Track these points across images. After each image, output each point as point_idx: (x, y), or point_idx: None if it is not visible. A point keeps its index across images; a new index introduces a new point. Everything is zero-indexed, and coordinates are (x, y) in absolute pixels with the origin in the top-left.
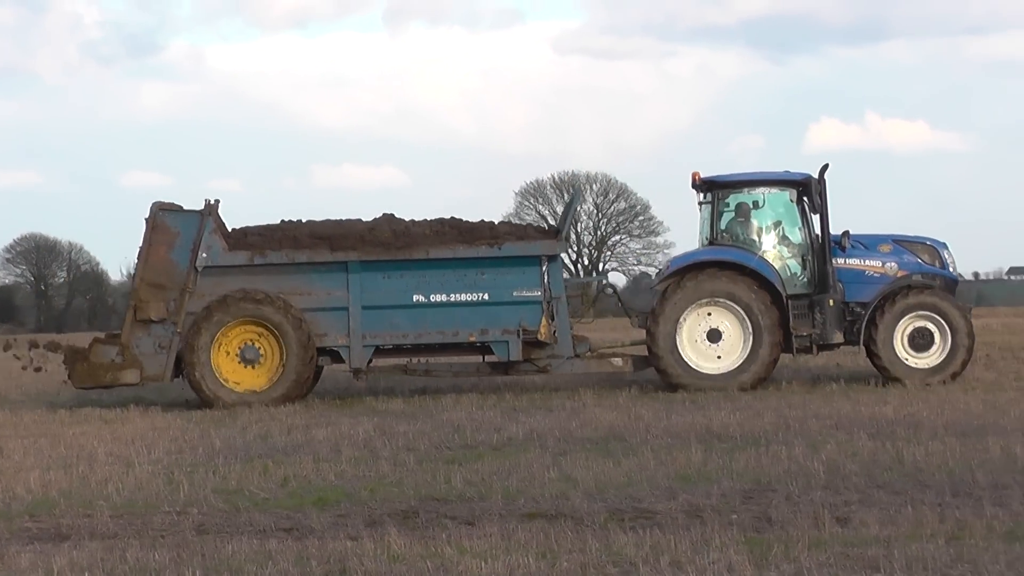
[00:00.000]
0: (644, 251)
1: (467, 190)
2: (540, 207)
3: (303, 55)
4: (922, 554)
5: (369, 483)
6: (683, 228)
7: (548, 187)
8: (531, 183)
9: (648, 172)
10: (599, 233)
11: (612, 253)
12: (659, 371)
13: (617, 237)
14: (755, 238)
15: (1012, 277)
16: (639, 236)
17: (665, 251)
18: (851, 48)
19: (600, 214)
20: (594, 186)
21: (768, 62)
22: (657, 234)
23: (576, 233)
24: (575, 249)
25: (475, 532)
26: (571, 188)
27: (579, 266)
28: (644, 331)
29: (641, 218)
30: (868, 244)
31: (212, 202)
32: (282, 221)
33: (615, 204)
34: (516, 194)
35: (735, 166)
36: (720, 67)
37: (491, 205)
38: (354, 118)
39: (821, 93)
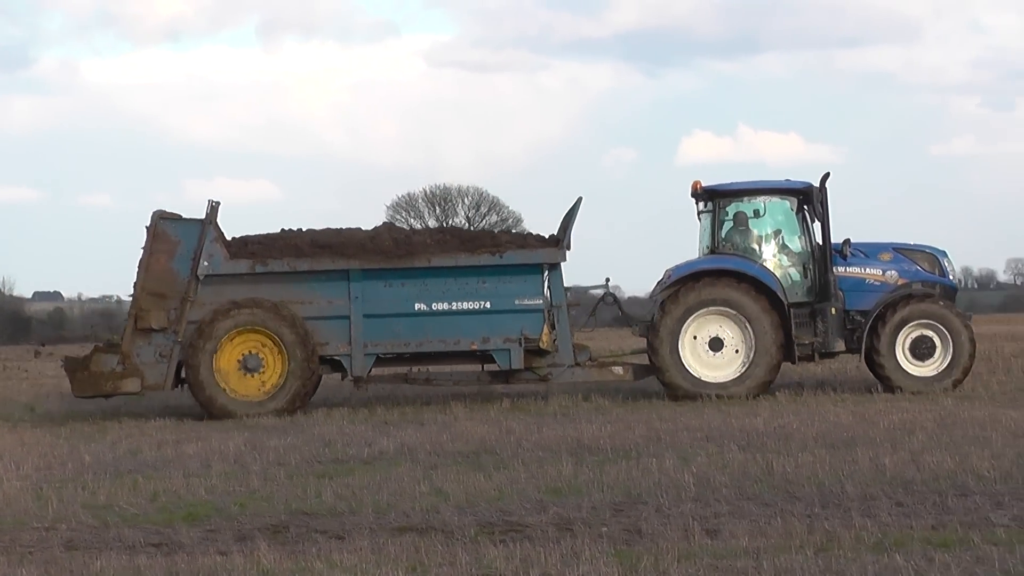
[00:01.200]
0: None
1: (339, 203)
2: (412, 220)
3: (176, 69)
4: (791, 565)
5: (239, 498)
6: None
7: (420, 200)
8: (402, 196)
9: (520, 185)
10: None
11: None
12: (661, 380)
13: None
14: (756, 247)
15: None
16: None
17: None
18: (725, 62)
19: (472, 228)
20: (466, 199)
21: (642, 75)
22: None
23: None
24: None
25: (345, 546)
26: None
27: None
28: (644, 340)
29: (513, 231)
30: (868, 252)
31: (214, 203)
32: (282, 230)
33: (487, 218)
34: (387, 207)
35: (608, 179)
36: (593, 80)
37: (362, 218)
38: (227, 132)
39: (694, 106)
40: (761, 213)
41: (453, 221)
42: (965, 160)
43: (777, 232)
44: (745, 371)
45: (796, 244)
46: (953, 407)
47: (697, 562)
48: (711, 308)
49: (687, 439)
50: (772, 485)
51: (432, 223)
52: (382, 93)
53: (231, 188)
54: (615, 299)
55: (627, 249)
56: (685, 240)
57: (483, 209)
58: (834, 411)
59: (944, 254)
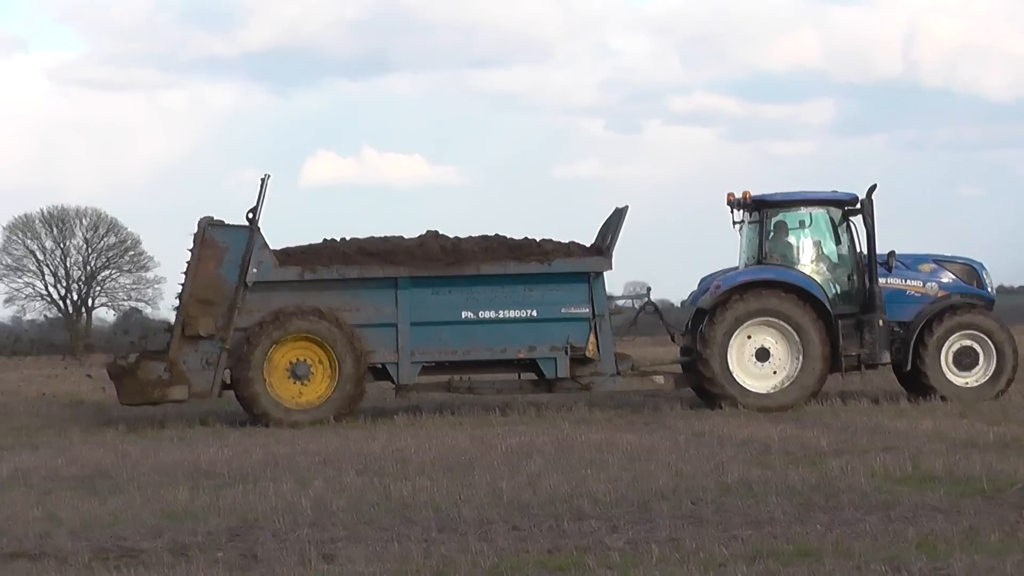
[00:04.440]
0: (134, 286)
1: None
2: (28, 242)
3: None
4: None
5: None
6: (173, 262)
7: (37, 221)
8: (19, 217)
9: (141, 206)
10: (89, 268)
11: (102, 288)
12: (709, 390)
13: (107, 272)
14: (803, 257)
15: None
16: (129, 271)
17: (156, 286)
18: (353, 82)
19: (90, 249)
20: (84, 220)
21: (270, 94)
22: (148, 269)
23: (65, 268)
24: (64, 284)
25: None
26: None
27: (67, 301)
28: (683, 349)
29: (132, 253)
30: (909, 264)
31: (265, 177)
32: (324, 240)
33: (105, 239)
34: (3, 228)
35: (231, 199)
36: (219, 99)
37: None
38: None
39: (320, 127)
40: (807, 224)
41: (71, 243)
42: (588, 182)
43: (823, 243)
44: (792, 382)
45: (842, 255)
46: (571, 431)
47: None
48: (759, 318)
49: (305, 463)
50: (389, 509)
51: (49, 244)
52: (3, 111)
53: None
54: (656, 308)
55: None
56: None
57: (101, 230)
58: (452, 435)
59: (982, 266)
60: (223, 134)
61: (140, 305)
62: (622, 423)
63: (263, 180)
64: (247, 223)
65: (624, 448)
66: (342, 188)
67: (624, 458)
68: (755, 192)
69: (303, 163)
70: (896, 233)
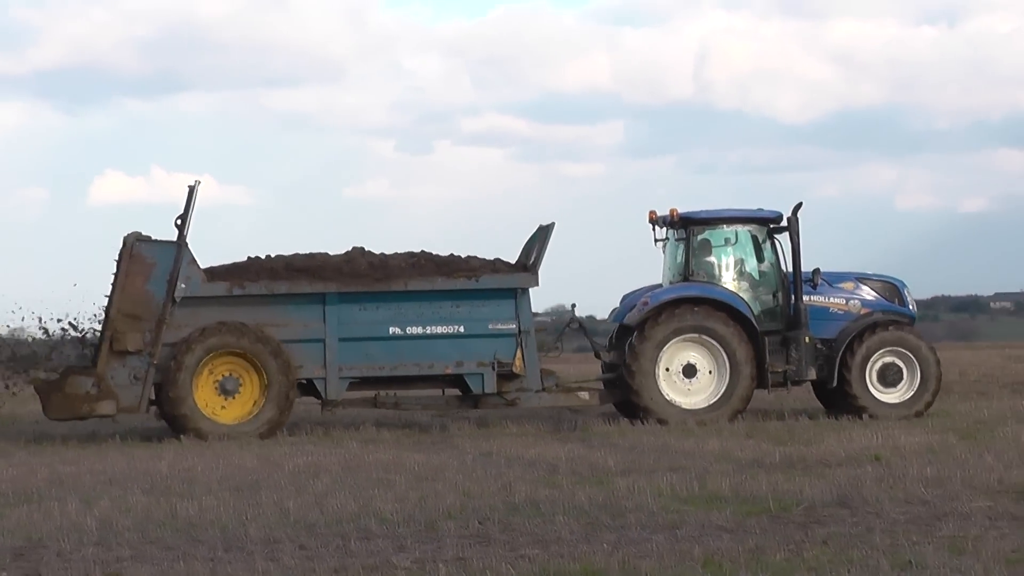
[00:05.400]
0: None
1: None
2: None
3: None
4: None
5: None
6: None
7: None
8: None
9: None
10: None
11: None
12: (637, 406)
13: None
14: (728, 274)
15: None
16: None
17: None
18: (143, 101)
19: None
20: None
21: (59, 113)
22: None
23: None
24: None
25: None
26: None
27: None
28: (606, 365)
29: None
30: (831, 281)
31: (193, 184)
32: (249, 258)
33: None
34: None
35: (17, 219)
36: (6, 118)
37: None
38: None
39: (108, 146)
40: (733, 241)
41: None
42: (378, 203)
43: (749, 260)
44: (719, 398)
45: (767, 272)
46: (358, 450)
47: None
48: (686, 335)
49: (90, 482)
50: (176, 528)
51: None
52: None
53: None
54: (581, 325)
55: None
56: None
57: None
58: (240, 454)
59: (903, 284)
60: (10, 153)
61: None
62: (410, 443)
63: (192, 188)
64: (176, 232)
65: (411, 467)
66: (131, 207)
67: (411, 477)
68: (682, 209)
69: (91, 182)
70: None
